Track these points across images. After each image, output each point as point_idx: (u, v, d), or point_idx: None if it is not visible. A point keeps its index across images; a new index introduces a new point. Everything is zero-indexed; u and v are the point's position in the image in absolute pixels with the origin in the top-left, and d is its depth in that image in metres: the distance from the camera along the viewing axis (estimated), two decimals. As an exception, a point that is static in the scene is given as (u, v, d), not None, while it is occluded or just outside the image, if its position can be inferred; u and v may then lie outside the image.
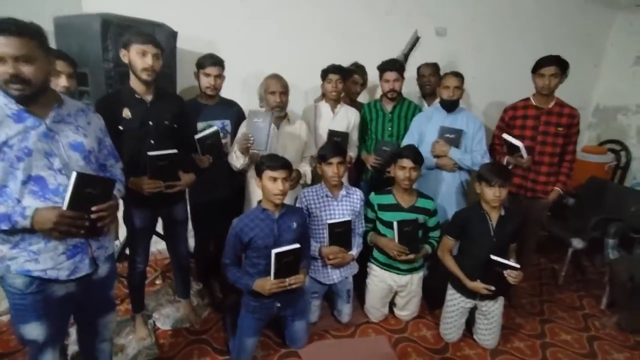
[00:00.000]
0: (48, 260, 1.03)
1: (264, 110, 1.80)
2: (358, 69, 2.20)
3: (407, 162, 1.80)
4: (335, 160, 1.74)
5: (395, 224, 1.77)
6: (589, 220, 2.39)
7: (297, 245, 1.55)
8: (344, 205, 1.85)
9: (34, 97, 0.99)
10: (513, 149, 1.98)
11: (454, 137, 1.98)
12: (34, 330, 1.07)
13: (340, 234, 1.76)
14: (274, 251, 1.49)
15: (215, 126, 1.72)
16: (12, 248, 1.01)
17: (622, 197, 2.56)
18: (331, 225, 1.73)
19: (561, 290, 2.43)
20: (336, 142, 1.87)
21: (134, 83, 1.49)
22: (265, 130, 1.66)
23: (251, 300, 1.64)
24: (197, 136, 1.64)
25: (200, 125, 1.81)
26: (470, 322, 1.89)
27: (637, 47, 3.20)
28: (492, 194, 1.67)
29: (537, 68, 1.99)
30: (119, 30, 1.64)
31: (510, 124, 2.10)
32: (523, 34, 2.92)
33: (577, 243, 2.38)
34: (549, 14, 3.01)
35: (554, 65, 1.93)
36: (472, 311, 1.86)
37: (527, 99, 2.09)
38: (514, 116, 2.09)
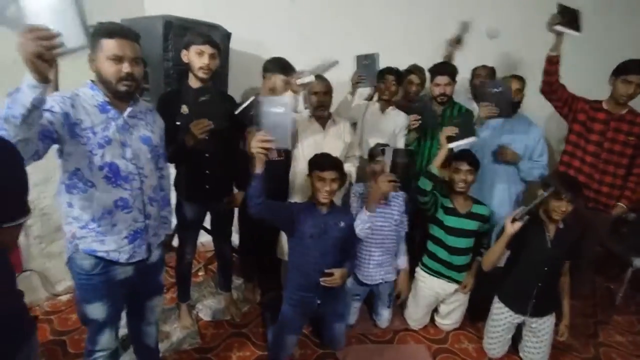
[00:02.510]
0: (112, 242, 1.12)
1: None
2: (415, 69, 2.16)
3: (463, 165, 1.75)
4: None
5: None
6: (654, 238, 2.20)
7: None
8: (392, 207, 1.83)
9: (132, 93, 1.11)
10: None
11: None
12: (96, 310, 1.15)
13: (403, 165, 1.62)
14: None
15: (253, 96, 1.68)
16: (82, 228, 1.10)
17: (693, 214, 2.33)
18: (395, 151, 1.62)
19: (618, 312, 2.25)
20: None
21: (192, 81, 1.57)
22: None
23: (293, 294, 1.66)
24: (237, 111, 1.62)
25: None
26: (516, 337, 1.80)
27: None
28: (558, 207, 1.57)
29: (623, 72, 1.81)
30: (179, 31, 1.73)
31: (577, 116, 1.94)
32: (582, 38, 2.73)
33: (639, 262, 2.19)
34: (612, 15, 2.79)
35: None
36: (519, 326, 1.76)
37: (599, 102, 1.93)
38: (581, 109, 1.93)
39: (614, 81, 1.85)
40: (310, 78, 1.53)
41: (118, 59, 1.04)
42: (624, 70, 1.81)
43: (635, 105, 1.90)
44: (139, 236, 1.17)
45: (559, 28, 1.73)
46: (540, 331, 1.71)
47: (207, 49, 1.50)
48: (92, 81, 1.10)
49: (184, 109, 1.54)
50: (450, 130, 1.65)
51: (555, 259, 1.65)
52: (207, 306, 2.00)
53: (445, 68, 2.00)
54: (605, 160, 1.89)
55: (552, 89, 1.91)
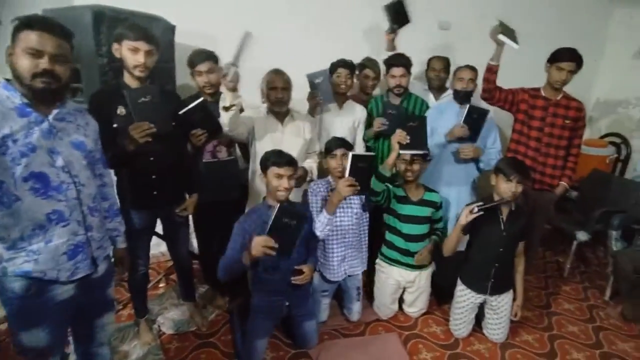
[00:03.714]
0: (48, 260, 1.00)
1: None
2: (369, 63, 2.14)
3: (406, 155, 1.80)
4: (339, 152, 1.72)
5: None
6: (593, 213, 2.39)
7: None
8: (352, 202, 1.82)
9: (55, 94, 0.99)
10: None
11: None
12: (34, 337, 1.03)
13: (363, 169, 1.60)
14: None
15: (202, 97, 1.60)
16: (9, 249, 0.97)
17: (624, 189, 2.58)
18: (354, 157, 1.56)
19: (566, 283, 2.45)
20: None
21: (127, 79, 1.43)
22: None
23: (260, 300, 1.61)
24: (181, 112, 1.53)
25: None
26: (479, 316, 1.89)
27: (637, 41, 3.18)
28: (508, 189, 1.65)
29: (556, 60, 1.93)
30: (113, 23, 1.56)
31: (519, 106, 2.06)
32: (525, 28, 2.89)
33: (582, 236, 2.39)
34: (549, 9, 2.99)
35: (574, 62, 1.90)
36: (481, 305, 1.85)
37: (537, 89, 2.06)
38: (521, 99, 2.05)
39: (549, 68, 1.98)
40: (234, 69, 1.45)
41: (36, 54, 0.92)
42: (556, 58, 1.94)
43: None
44: (81, 250, 1.06)
45: (501, 37, 1.83)
46: (500, 308, 1.80)
47: (142, 46, 1.35)
48: (7, 80, 0.96)
49: (121, 109, 1.39)
50: (402, 137, 1.65)
51: (510, 239, 1.74)
52: (169, 318, 1.88)
53: (400, 60, 2.02)
54: (546, 143, 2.02)
55: (491, 95, 2.03)
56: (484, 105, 2.06)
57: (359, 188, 1.54)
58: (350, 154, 1.52)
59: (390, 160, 1.68)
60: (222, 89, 1.54)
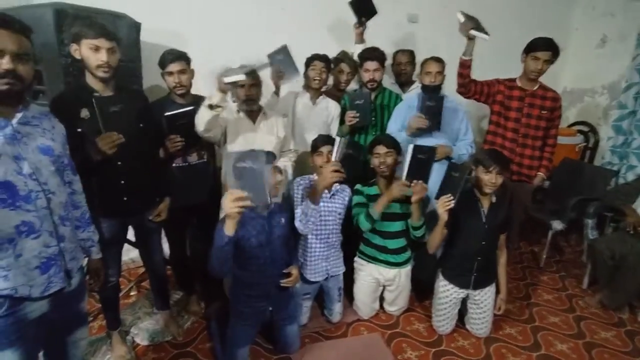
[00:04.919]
0: (19, 276, 0.93)
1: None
2: (346, 57, 2.11)
3: (380, 149, 1.77)
4: (325, 149, 1.70)
5: (410, 147, 1.59)
6: (567, 202, 2.42)
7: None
8: (336, 200, 1.80)
9: (19, 95, 0.94)
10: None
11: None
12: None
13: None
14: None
15: (194, 106, 1.57)
16: None
17: (595, 177, 2.61)
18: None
19: (543, 273, 2.47)
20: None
21: (90, 80, 1.36)
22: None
23: (242, 307, 1.56)
24: (167, 113, 1.49)
25: None
26: (461, 311, 1.87)
27: (600, 30, 3.25)
28: (488, 180, 1.64)
29: (532, 49, 1.94)
30: (75, 21, 1.49)
31: (495, 98, 2.07)
32: (490, 19, 2.96)
33: (557, 225, 2.41)
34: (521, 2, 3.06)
35: (550, 51, 1.91)
36: (464, 300, 1.84)
37: (513, 80, 2.07)
38: (497, 91, 2.06)
39: (525, 58, 1.99)
40: (240, 76, 1.43)
41: None
42: (532, 47, 1.95)
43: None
44: (54, 263, 0.99)
45: (473, 32, 1.81)
46: (483, 302, 1.79)
47: (103, 43, 1.29)
48: None
49: (85, 112, 1.32)
50: (403, 189, 1.62)
51: (491, 231, 1.73)
52: (144, 329, 1.79)
53: (374, 53, 1.99)
54: (523, 134, 2.03)
55: (467, 88, 2.03)
56: (458, 98, 2.07)
57: (344, 175, 1.48)
58: (339, 139, 1.47)
59: (381, 205, 1.67)
60: (214, 89, 1.50)
